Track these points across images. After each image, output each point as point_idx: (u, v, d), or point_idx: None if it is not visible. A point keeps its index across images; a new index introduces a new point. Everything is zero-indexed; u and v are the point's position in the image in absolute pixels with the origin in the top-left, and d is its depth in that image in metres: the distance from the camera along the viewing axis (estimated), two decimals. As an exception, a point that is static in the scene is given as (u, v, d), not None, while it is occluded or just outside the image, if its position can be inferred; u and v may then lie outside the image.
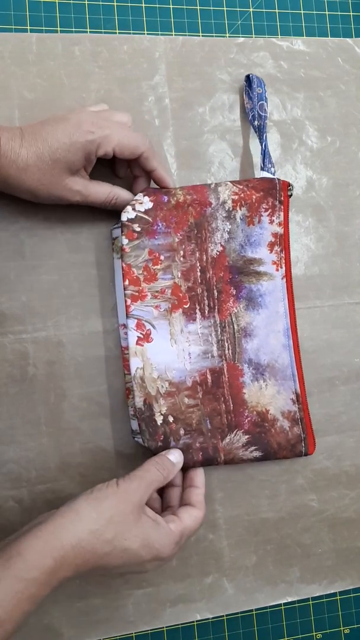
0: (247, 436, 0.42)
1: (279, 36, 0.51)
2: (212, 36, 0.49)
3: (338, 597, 0.48)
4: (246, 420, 0.42)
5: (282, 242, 0.43)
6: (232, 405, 0.42)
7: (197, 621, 0.46)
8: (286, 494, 0.46)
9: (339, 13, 0.52)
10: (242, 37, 0.50)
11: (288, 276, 0.44)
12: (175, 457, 0.40)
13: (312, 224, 0.49)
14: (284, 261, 0.43)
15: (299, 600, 0.47)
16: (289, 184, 0.44)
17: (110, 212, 0.45)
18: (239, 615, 0.46)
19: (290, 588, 0.46)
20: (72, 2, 0.47)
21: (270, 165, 0.45)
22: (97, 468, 0.44)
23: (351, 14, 0.52)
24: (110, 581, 0.43)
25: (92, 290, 0.45)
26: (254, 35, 0.50)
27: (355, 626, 0.48)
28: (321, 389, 0.47)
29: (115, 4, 0.49)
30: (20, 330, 0.44)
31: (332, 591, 0.47)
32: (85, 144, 0.38)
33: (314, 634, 0.47)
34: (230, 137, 0.48)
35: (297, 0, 0.51)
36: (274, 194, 0.43)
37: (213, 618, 0.46)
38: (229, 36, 0.49)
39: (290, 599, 0.46)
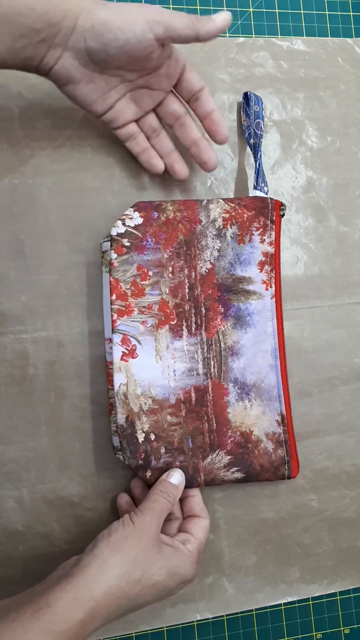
0: (229, 457, 0.42)
1: (279, 36, 0.51)
2: (212, 36, 0.49)
3: (338, 597, 0.48)
4: (229, 441, 0.42)
5: (272, 261, 0.43)
6: (215, 425, 0.42)
7: (197, 621, 0.46)
8: (286, 493, 0.46)
9: (339, 13, 0.52)
10: (242, 37, 0.50)
11: (278, 296, 0.43)
12: (177, 479, 0.40)
13: (312, 224, 0.49)
14: (274, 281, 0.43)
15: (299, 600, 0.47)
16: (281, 204, 0.43)
17: (111, 213, 0.45)
18: (239, 615, 0.46)
19: (290, 588, 0.46)
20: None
21: (263, 184, 0.44)
22: (97, 468, 0.44)
23: (351, 14, 0.52)
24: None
25: (92, 290, 0.45)
26: (254, 35, 0.50)
27: (355, 626, 0.48)
28: (321, 389, 0.47)
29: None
30: (20, 330, 0.44)
31: (332, 591, 0.47)
32: None
33: (314, 634, 0.47)
34: (230, 137, 0.48)
35: (297, 0, 0.51)
36: (266, 213, 0.43)
37: (213, 618, 0.46)
38: (229, 36, 0.50)
39: (290, 599, 0.46)
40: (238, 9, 0.50)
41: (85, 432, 0.44)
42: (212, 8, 0.49)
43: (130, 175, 0.46)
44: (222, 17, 0.38)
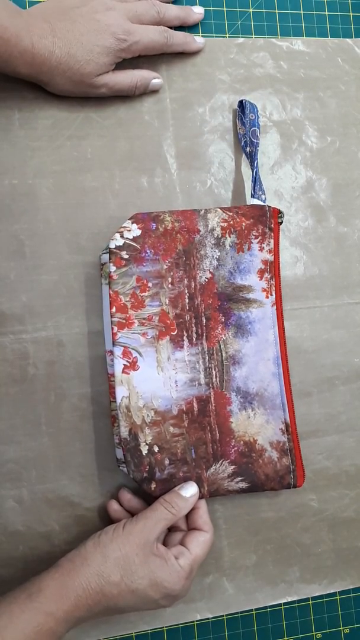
0: (233, 466, 0.42)
1: (279, 36, 0.51)
2: (212, 36, 0.49)
3: (338, 597, 0.48)
4: (232, 450, 0.42)
5: (272, 269, 0.43)
6: (218, 435, 0.42)
7: (197, 621, 0.46)
8: (286, 493, 0.46)
9: (339, 13, 0.52)
10: (242, 37, 0.50)
11: (278, 303, 0.43)
12: (188, 491, 0.40)
13: (312, 224, 0.49)
14: (274, 288, 0.43)
15: (298, 600, 0.47)
16: (279, 211, 0.43)
17: (111, 213, 0.45)
18: (239, 615, 0.46)
19: (290, 588, 0.46)
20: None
21: (260, 193, 0.44)
22: (97, 468, 0.44)
23: (351, 14, 0.52)
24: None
25: (92, 290, 0.45)
26: (253, 36, 0.50)
27: (355, 626, 0.48)
28: (321, 389, 0.47)
29: (115, 4, 0.48)
30: (20, 330, 0.44)
31: (332, 591, 0.47)
32: (118, 51, 0.42)
33: (314, 633, 0.47)
34: (230, 137, 0.48)
35: (297, 1, 0.51)
36: (264, 221, 0.43)
37: (213, 618, 0.46)
38: (229, 36, 0.50)
39: (290, 599, 0.46)
40: (238, 9, 0.50)
41: (85, 431, 0.44)
42: (212, 9, 0.49)
43: (129, 176, 0.46)
44: (157, 84, 0.46)
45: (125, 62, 0.44)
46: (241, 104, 0.46)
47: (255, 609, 0.46)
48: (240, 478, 0.42)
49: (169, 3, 0.47)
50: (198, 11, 0.47)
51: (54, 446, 0.43)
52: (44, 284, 0.44)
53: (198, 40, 0.47)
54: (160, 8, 0.45)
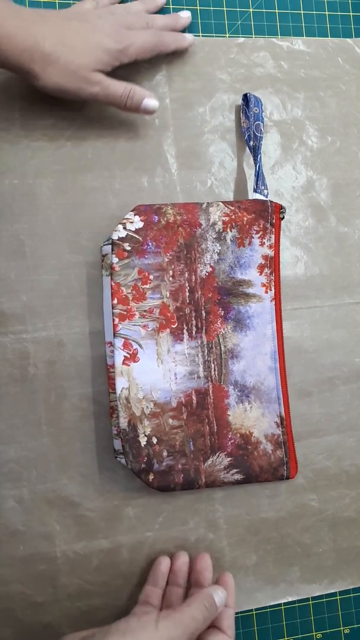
0: (229, 459, 0.42)
1: (279, 36, 0.51)
2: (212, 36, 0.49)
3: (338, 597, 0.48)
4: (229, 443, 0.42)
5: (272, 264, 0.43)
6: (216, 427, 0.42)
7: (197, 621, 0.46)
8: (286, 493, 0.46)
9: (339, 13, 0.52)
10: (242, 37, 0.50)
11: (277, 299, 0.44)
12: (221, 598, 0.38)
13: (312, 224, 0.49)
14: (273, 283, 0.43)
15: (299, 600, 0.47)
16: (281, 207, 0.44)
17: (111, 213, 0.45)
18: (239, 615, 0.46)
19: (290, 588, 0.46)
20: (72, 2, 0.47)
21: (263, 187, 0.44)
22: (97, 468, 0.44)
23: (351, 14, 0.52)
24: (110, 581, 0.44)
25: (92, 290, 0.45)
26: (254, 36, 0.50)
27: (355, 626, 0.48)
28: (321, 389, 0.47)
29: (115, 4, 0.48)
30: (20, 330, 0.44)
31: (332, 591, 0.47)
32: (115, 52, 0.42)
33: (314, 633, 0.47)
34: (230, 137, 0.48)
35: (297, 0, 0.51)
36: (266, 216, 0.43)
37: (213, 618, 0.46)
38: (229, 36, 0.50)
39: (290, 599, 0.46)
40: (238, 9, 0.50)
41: (85, 431, 0.44)
42: (212, 9, 0.49)
43: (130, 176, 0.46)
44: (152, 104, 0.44)
45: (125, 65, 0.44)
46: (246, 97, 0.46)
47: (255, 609, 0.46)
48: (235, 470, 0.42)
49: (159, 10, 0.48)
50: (184, 16, 0.48)
51: (55, 446, 0.43)
52: (45, 284, 0.44)
53: (187, 36, 0.47)
54: (149, 20, 0.45)
